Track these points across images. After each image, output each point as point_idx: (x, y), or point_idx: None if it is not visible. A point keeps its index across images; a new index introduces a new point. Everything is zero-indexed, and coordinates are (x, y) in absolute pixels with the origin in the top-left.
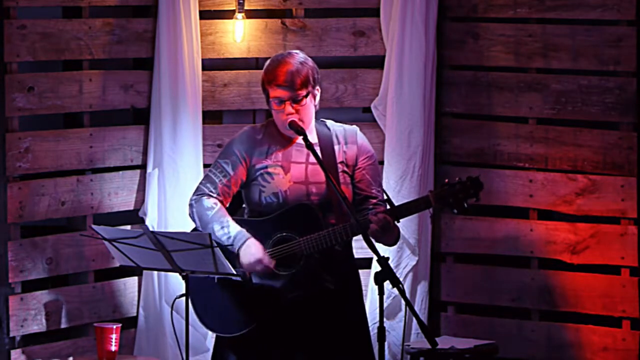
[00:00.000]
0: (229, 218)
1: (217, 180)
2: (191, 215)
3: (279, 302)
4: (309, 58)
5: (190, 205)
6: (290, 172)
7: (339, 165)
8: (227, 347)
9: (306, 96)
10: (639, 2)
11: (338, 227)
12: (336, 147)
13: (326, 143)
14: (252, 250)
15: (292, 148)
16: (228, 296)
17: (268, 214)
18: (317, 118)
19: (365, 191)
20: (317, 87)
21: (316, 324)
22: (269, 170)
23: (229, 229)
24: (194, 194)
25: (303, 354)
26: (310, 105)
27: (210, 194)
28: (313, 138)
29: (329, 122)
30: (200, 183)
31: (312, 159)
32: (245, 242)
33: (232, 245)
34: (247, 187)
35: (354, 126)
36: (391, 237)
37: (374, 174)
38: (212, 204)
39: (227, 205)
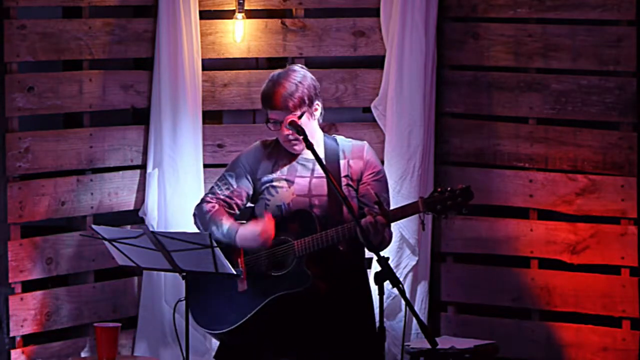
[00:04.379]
0: (224, 217)
1: (218, 191)
2: (196, 224)
3: (268, 302)
4: (307, 74)
5: (194, 215)
6: (294, 185)
7: (343, 179)
8: (227, 351)
9: (301, 117)
10: (639, 2)
11: (331, 230)
12: (341, 162)
13: (332, 157)
14: (248, 234)
15: (297, 163)
16: (220, 294)
17: None
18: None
19: (368, 206)
20: (317, 102)
21: (312, 325)
22: (274, 183)
23: (222, 227)
24: (197, 204)
25: (300, 353)
26: (308, 123)
27: (210, 201)
28: (320, 152)
29: (339, 138)
30: (205, 194)
31: (316, 173)
32: (237, 232)
33: (227, 239)
34: (256, 201)
35: (364, 142)
36: (377, 238)
37: (379, 190)
38: (209, 207)
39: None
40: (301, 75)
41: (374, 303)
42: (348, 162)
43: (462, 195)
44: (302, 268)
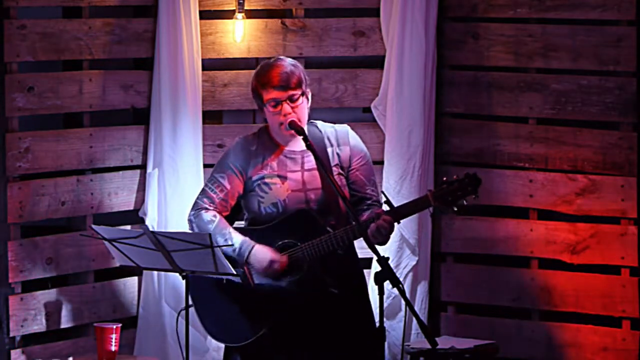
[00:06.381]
0: (231, 229)
1: (214, 195)
2: (191, 230)
3: (284, 309)
4: (298, 62)
5: (190, 221)
6: (288, 181)
7: (334, 168)
8: (234, 351)
9: (302, 95)
10: (639, 2)
11: (339, 231)
12: (329, 150)
13: (319, 146)
14: (260, 255)
15: (285, 157)
16: (234, 305)
17: (268, 223)
18: (313, 118)
19: (360, 192)
20: (308, 90)
21: (322, 327)
22: (266, 180)
23: (232, 240)
24: (192, 210)
25: (311, 352)
26: (305, 107)
27: (208, 207)
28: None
29: (319, 123)
30: (197, 198)
31: (307, 165)
32: (251, 250)
33: (239, 256)
34: (245, 197)
35: (345, 126)
36: (386, 239)
37: (367, 174)
38: (211, 217)
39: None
40: (293, 61)
41: (375, 303)
42: (335, 150)
43: (471, 183)
44: (317, 273)
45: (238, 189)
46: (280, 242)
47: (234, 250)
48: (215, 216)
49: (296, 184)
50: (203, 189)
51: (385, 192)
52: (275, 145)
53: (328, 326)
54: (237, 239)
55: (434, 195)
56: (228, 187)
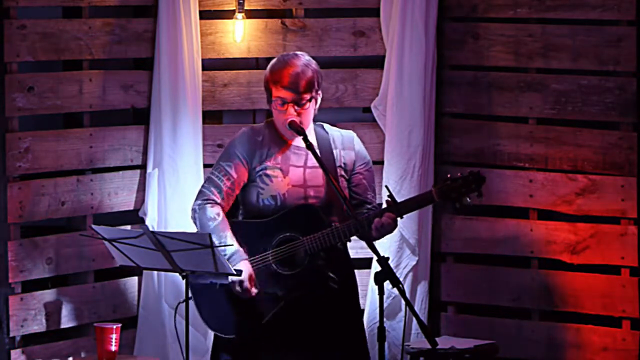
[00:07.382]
0: (229, 232)
1: (221, 184)
2: (193, 219)
3: (283, 302)
4: (313, 61)
5: (194, 210)
6: (289, 175)
7: (338, 169)
8: (224, 346)
9: (309, 100)
10: (639, 2)
11: (341, 225)
12: (335, 152)
13: (325, 146)
14: (241, 274)
15: (290, 151)
16: (232, 297)
17: (265, 216)
18: (316, 119)
19: (362, 196)
20: (320, 92)
21: (315, 322)
22: (268, 172)
23: (227, 244)
24: (198, 199)
25: (300, 351)
26: (311, 110)
27: (215, 200)
28: (312, 140)
29: (327, 126)
30: (203, 187)
31: (310, 162)
32: (237, 264)
33: (228, 261)
34: (245, 188)
35: (351, 132)
36: (390, 233)
37: (369, 180)
38: (214, 215)
39: (229, 207)
40: (308, 59)
41: (375, 303)
42: (341, 152)
43: (475, 181)
44: (316, 266)
45: (244, 178)
46: (281, 236)
47: (225, 255)
48: (218, 214)
49: (297, 179)
50: (209, 178)
51: (388, 188)
52: (282, 139)
53: (321, 324)
54: (233, 244)
55: (438, 191)
56: (235, 175)
